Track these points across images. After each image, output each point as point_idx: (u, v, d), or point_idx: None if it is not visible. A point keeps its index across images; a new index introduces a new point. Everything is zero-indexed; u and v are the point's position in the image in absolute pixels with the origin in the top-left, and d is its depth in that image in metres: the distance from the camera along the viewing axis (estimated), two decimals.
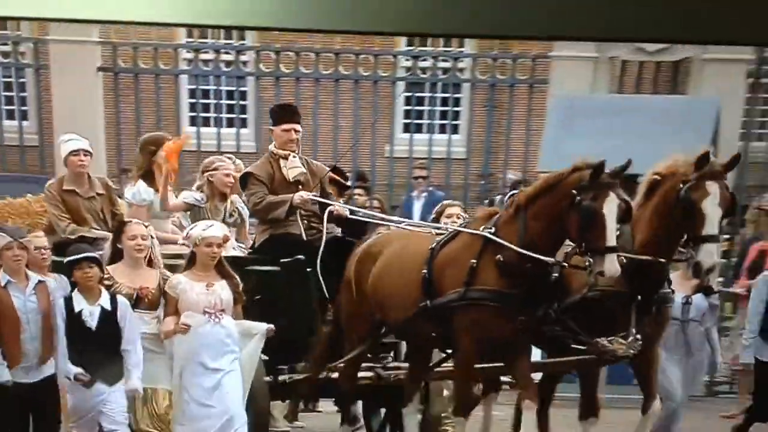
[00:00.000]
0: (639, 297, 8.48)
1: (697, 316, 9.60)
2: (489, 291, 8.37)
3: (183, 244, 9.09)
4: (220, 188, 9.67)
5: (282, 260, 9.31)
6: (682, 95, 14.15)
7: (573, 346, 8.71)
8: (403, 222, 10.10)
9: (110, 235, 9.45)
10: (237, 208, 9.69)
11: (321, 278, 9.07)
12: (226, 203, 9.69)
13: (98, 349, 8.25)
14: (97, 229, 9.44)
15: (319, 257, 9.04)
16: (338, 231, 9.46)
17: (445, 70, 14.59)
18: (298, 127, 9.54)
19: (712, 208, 8.00)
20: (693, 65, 13.85)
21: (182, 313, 8.47)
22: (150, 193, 9.72)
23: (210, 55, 14.01)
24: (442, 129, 16.87)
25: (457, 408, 8.89)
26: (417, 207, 14.02)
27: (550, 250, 8.16)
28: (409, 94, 15.47)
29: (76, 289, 8.33)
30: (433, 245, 8.77)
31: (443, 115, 17.03)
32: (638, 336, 8.42)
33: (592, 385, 9.17)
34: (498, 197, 14.34)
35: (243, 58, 14.06)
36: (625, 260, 8.21)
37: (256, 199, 9.41)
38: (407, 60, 14.39)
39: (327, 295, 9.20)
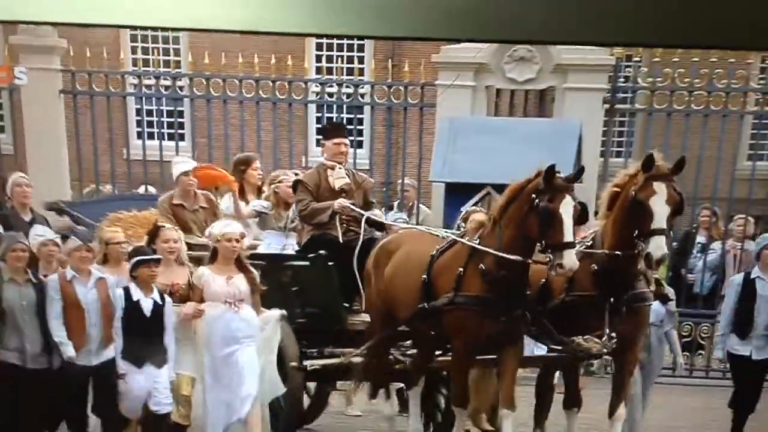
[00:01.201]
0: (611, 299, 8.67)
1: (656, 320, 9.67)
2: (472, 297, 8.64)
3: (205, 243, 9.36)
4: (284, 198, 10.22)
5: (309, 255, 9.61)
6: (548, 118, 14.48)
7: (551, 345, 9.16)
8: (432, 230, 9.93)
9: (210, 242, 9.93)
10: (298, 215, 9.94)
11: (357, 273, 9.43)
12: (288, 211, 10.14)
13: (150, 335, 8.65)
14: (199, 237, 9.95)
15: (355, 256, 9.40)
16: (377, 234, 9.83)
17: (348, 95, 14.87)
18: (346, 141, 10.01)
19: (659, 205, 8.21)
20: (556, 93, 14.21)
21: (206, 301, 8.83)
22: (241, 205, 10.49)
23: (152, 81, 14.60)
24: (350, 143, 17.53)
25: (454, 399, 9.27)
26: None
27: (525, 254, 8.40)
28: (320, 114, 15.83)
29: (133, 283, 8.73)
30: (434, 252, 8.99)
31: (350, 132, 16.81)
32: (613, 335, 8.67)
33: (574, 378, 9.40)
34: (396, 202, 14.61)
35: (179, 83, 14.55)
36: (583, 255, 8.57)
37: (302, 205, 9.74)
38: (316, 86, 14.78)
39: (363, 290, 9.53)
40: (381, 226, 9.96)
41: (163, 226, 9.39)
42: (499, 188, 9.82)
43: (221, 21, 2.04)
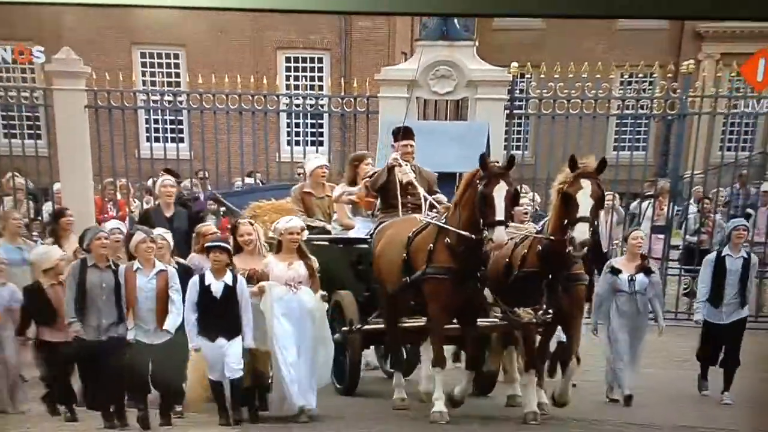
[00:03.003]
0: (549, 276, 8.32)
1: (641, 289, 9.31)
2: (440, 267, 8.33)
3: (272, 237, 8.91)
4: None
5: (369, 239, 9.25)
6: (463, 121, 14.59)
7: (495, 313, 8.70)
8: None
9: (328, 225, 9.84)
10: None
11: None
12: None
13: (221, 313, 8.30)
14: (321, 221, 9.85)
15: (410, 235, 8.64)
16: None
17: (311, 106, 14.89)
18: (412, 143, 9.44)
19: (583, 198, 7.88)
20: (469, 102, 14.22)
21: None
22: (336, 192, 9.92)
23: (157, 97, 14.46)
24: (312, 143, 17.45)
25: (434, 360, 8.62)
26: None
27: (477, 231, 8.01)
28: (289, 121, 15.43)
29: (209, 268, 8.41)
30: (410, 234, 8.63)
31: (312, 134, 17.81)
32: (547, 307, 8.37)
33: (529, 344, 8.75)
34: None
35: (179, 98, 14.44)
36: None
37: (369, 180, 9.40)
38: (286, 99, 14.65)
39: None
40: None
41: (240, 222, 9.09)
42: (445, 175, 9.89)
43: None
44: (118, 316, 8.33)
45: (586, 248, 7.94)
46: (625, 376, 9.48)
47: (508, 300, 8.55)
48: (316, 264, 8.65)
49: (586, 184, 7.92)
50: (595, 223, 8.26)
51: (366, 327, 9.18)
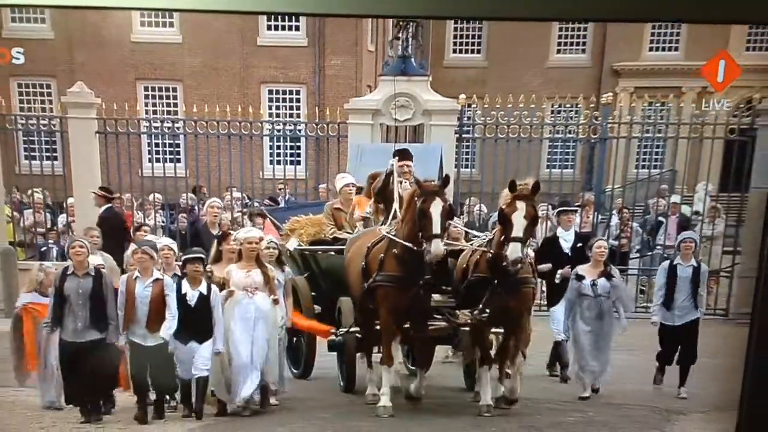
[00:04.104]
0: (496, 281, 7.99)
1: (603, 293, 8.92)
2: (388, 275, 8.05)
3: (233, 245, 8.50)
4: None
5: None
6: (420, 143, 14.13)
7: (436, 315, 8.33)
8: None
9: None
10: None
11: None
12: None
13: (194, 320, 7.99)
14: (349, 233, 9.28)
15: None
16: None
17: (290, 131, 14.77)
18: (409, 163, 9.05)
19: (518, 219, 7.62)
20: (425, 127, 14.11)
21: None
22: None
23: (158, 124, 14.37)
24: (291, 162, 17.29)
25: (383, 359, 8.30)
26: (281, 202, 14.66)
27: (418, 243, 7.73)
28: (271, 143, 15.41)
29: (185, 278, 8.05)
30: (369, 244, 8.31)
31: (291, 155, 17.63)
32: (486, 309, 8.01)
33: (481, 341, 8.38)
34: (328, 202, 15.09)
35: (177, 125, 14.37)
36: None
37: (372, 186, 9.14)
38: (269, 125, 14.65)
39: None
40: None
41: (229, 233, 8.72)
42: None
43: (222, 2, 1.57)
44: (96, 319, 7.90)
45: (519, 265, 7.68)
46: (589, 376, 9.06)
47: (465, 301, 8.27)
48: (272, 272, 8.33)
49: (521, 206, 7.65)
50: (529, 240, 7.89)
51: (352, 330, 8.77)
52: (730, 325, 11.61)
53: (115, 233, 10.26)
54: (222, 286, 8.22)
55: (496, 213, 8.29)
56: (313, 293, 9.39)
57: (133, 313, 7.94)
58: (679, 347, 9.34)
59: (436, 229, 7.56)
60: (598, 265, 9.01)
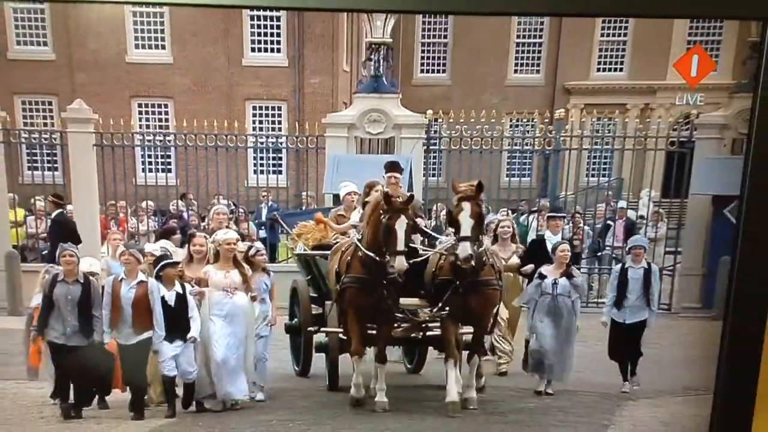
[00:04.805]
0: (458, 282, 7.79)
1: (564, 292, 8.79)
2: (353, 277, 7.90)
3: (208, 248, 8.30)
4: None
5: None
6: (392, 154, 13.91)
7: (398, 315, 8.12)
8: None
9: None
10: None
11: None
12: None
13: (175, 318, 7.91)
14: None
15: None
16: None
17: (273, 143, 14.97)
18: (398, 175, 8.82)
19: (464, 219, 7.45)
20: (396, 140, 14.11)
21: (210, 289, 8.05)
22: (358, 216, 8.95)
23: (150, 137, 14.36)
24: (273, 172, 16.31)
25: (351, 352, 8.10)
26: (264, 212, 14.54)
27: (381, 254, 7.58)
28: (255, 155, 15.23)
29: (161, 281, 7.89)
30: (343, 249, 8.16)
31: (273, 165, 16.48)
32: (445, 308, 7.81)
33: (446, 338, 8.08)
34: (303, 206, 14.19)
35: (168, 137, 14.27)
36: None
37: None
38: (253, 138, 14.68)
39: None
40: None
41: (195, 234, 8.54)
42: None
43: None
44: (83, 324, 7.76)
45: (470, 262, 7.45)
46: (553, 371, 8.79)
47: (434, 302, 8.05)
48: (249, 272, 8.12)
49: (466, 206, 7.45)
50: (480, 237, 7.62)
51: (333, 329, 8.49)
52: (673, 318, 11.60)
53: (66, 237, 9.85)
54: (198, 285, 8.08)
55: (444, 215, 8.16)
56: (314, 295, 9.18)
57: (119, 313, 7.78)
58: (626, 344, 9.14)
59: (401, 246, 7.42)
60: (562, 267, 8.90)
